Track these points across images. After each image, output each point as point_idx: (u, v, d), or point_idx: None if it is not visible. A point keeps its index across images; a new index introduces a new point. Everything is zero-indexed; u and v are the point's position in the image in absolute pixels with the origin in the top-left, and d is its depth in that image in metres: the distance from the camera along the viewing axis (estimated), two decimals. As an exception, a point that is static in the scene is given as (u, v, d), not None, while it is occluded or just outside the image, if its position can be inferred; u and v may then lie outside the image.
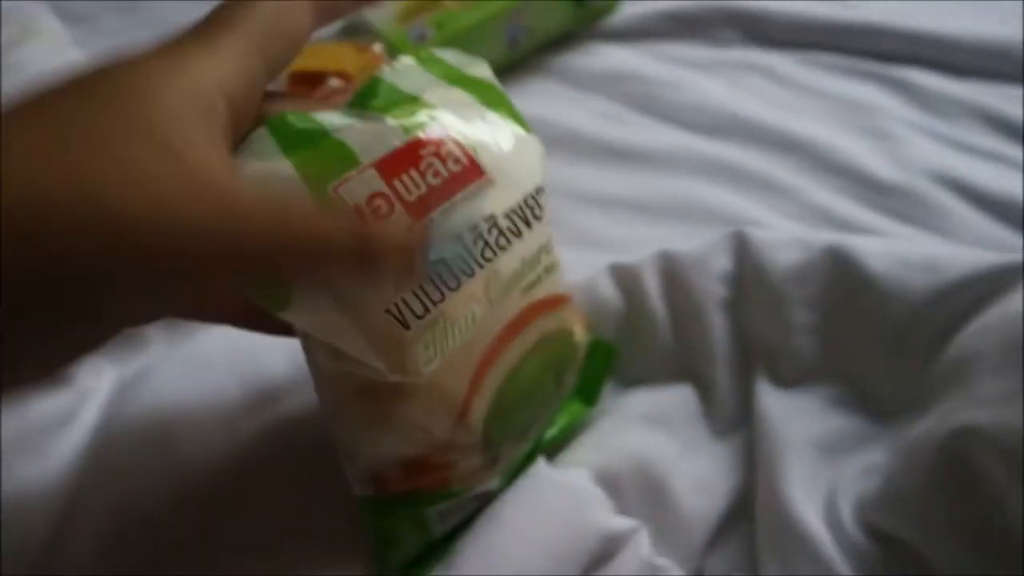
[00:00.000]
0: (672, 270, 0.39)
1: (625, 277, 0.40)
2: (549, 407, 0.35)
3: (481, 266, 0.28)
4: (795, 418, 0.35)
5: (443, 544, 0.33)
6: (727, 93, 0.58)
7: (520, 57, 0.61)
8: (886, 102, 0.56)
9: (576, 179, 0.54)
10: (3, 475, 0.34)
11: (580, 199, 0.52)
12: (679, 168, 0.54)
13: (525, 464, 0.35)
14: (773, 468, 0.34)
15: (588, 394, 0.38)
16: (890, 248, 0.36)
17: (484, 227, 0.28)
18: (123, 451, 0.36)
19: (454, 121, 0.29)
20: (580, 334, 0.35)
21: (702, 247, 0.39)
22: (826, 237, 0.37)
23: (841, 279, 0.36)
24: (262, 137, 0.26)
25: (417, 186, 0.27)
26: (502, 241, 0.29)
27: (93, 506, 0.34)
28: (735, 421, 0.38)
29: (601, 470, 0.35)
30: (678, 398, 0.38)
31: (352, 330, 0.26)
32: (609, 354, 0.39)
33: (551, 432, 0.37)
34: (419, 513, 0.31)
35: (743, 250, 0.39)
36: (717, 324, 0.38)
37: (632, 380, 0.40)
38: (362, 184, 0.27)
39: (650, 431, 0.37)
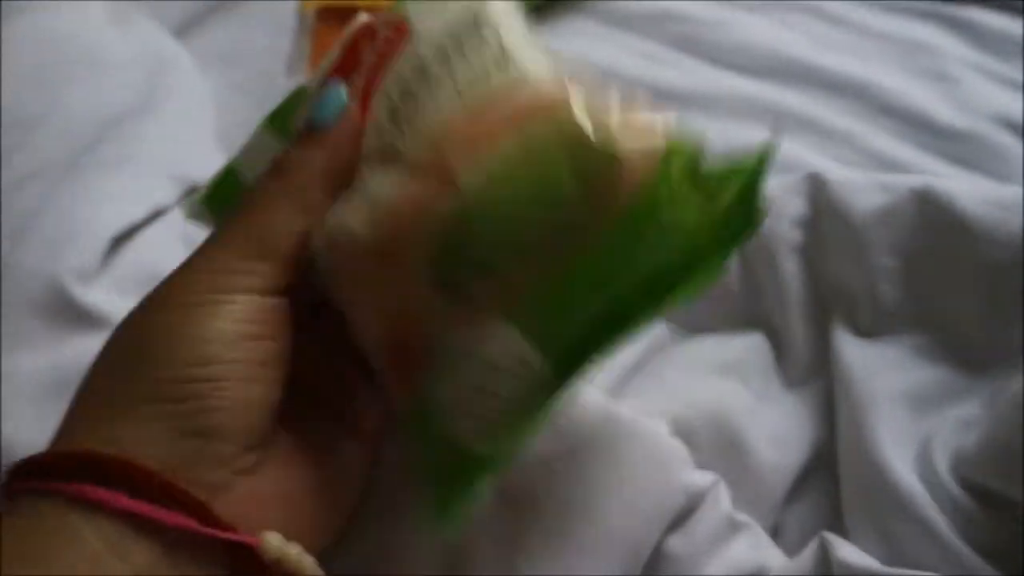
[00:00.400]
0: (742, 213, 0.37)
1: (691, 219, 0.38)
2: (577, 241, 0.25)
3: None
4: (880, 369, 0.34)
5: (482, 467, 0.27)
6: (775, 33, 0.55)
7: (559, -6, 0.58)
8: (946, 43, 0.53)
9: (620, 121, 0.51)
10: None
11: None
12: (726, 111, 0.52)
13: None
14: (860, 421, 0.32)
15: (746, 216, 0.27)
16: (984, 190, 0.34)
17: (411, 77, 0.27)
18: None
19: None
20: (616, 137, 0.25)
21: (774, 189, 0.37)
22: (911, 179, 0.35)
23: (931, 222, 0.34)
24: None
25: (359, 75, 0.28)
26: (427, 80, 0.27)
27: None
28: (809, 371, 0.36)
29: (676, 421, 0.34)
30: (749, 346, 0.37)
31: None
32: (756, 162, 0.26)
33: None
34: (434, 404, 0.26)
35: (819, 193, 0.37)
36: (790, 270, 0.36)
37: (698, 327, 0.38)
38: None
39: (723, 380, 0.36)
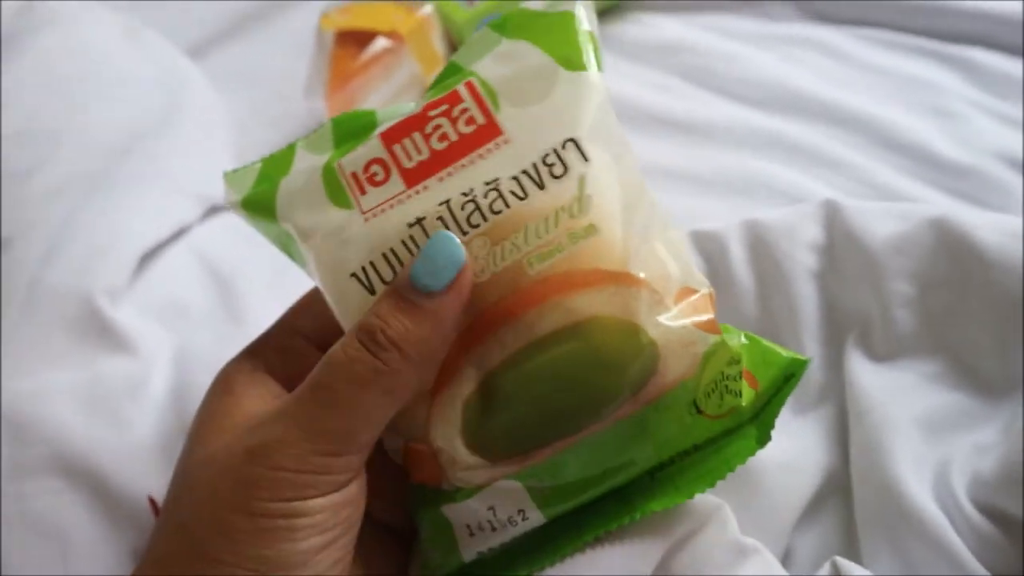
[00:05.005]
0: (759, 238, 0.38)
1: (708, 243, 0.39)
2: (604, 418, 0.26)
3: (465, 233, 0.25)
4: (895, 394, 0.34)
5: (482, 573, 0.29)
6: (783, 68, 0.56)
7: (569, 25, 0.59)
8: (948, 81, 0.54)
9: (631, 151, 0.52)
10: (80, 441, 0.34)
11: (636, 171, 0.50)
12: (737, 143, 0.53)
13: (604, 504, 0.28)
14: (876, 446, 0.32)
15: (760, 426, 0.28)
16: (999, 221, 0.35)
17: (480, 192, 0.25)
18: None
19: (490, 73, 0.27)
20: (667, 333, 0.26)
21: (790, 215, 0.38)
22: (927, 208, 0.36)
23: (947, 251, 0.35)
24: (324, 131, 0.28)
25: (419, 151, 0.26)
26: (498, 205, 0.25)
27: None
28: (821, 395, 0.37)
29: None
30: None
31: (326, 289, 0.26)
32: (789, 371, 0.28)
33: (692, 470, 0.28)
34: (439, 515, 0.28)
35: (835, 219, 0.37)
36: (806, 294, 0.37)
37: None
38: (365, 152, 0.26)
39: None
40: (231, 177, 0.29)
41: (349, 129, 0.28)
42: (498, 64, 0.27)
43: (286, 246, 0.28)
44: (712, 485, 0.27)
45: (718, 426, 0.27)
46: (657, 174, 0.51)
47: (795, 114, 0.53)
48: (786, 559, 0.34)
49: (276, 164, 0.28)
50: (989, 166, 0.49)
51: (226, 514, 0.23)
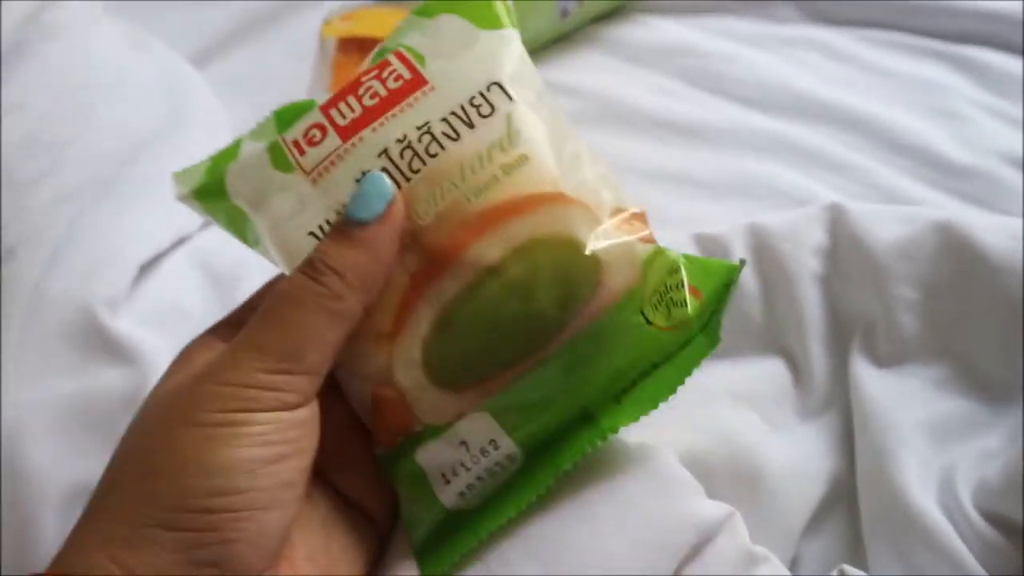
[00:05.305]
0: (762, 242, 0.38)
1: (711, 246, 0.39)
2: (559, 336, 0.27)
3: (408, 179, 0.27)
4: (900, 400, 0.34)
5: (468, 524, 0.28)
6: (786, 70, 0.56)
7: (571, 28, 0.59)
8: (953, 82, 0.54)
9: (633, 154, 0.52)
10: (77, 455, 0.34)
11: (637, 174, 0.50)
12: (739, 145, 0.52)
13: (585, 431, 0.28)
14: (881, 452, 0.32)
15: (709, 332, 0.28)
16: (1003, 224, 0.35)
17: (414, 137, 0.27)
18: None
19: (416, 42, 0.29)
20: (606, 245, 0.27)
21: (794, 218, 0.38)
22: (931, 211, 0.36)
23: (951, 254, 0.35)
24: (268, 123, 0.29)
25: (352, 109, 0.28)
26: (433, 148, 0.27)
27: None
28: (827, 400, 0.36)
29: (689, 450, 0.34)
30: (767, 373, 0.37)
31: (281, 253, 0.27)
32: (728, 279, 0.28)
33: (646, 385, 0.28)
34: (413, 467, 0.28)
35: (839, 223, 0.37)
36: (810, 298, 0.37)
37: (716, 353, 0.38)
38: (304, 122, 0.28)
39: (738, 408, 0.36)
40: (180, 176, 0.30)
41: (291, 118, 0.29)
42: (424, 36, 0.29)
43: (239, 227, 0.29)
44: (673, 392, 0.28)
45: (669, 338, 0.28)
46: (660, 177, 0.50)
47: (798, 116, 0.53)
48: (793, 566, 0.34)
49: (223, 156, 0.30)
50: (994, 167, 0.49)
51: (173, 427, 0.24)
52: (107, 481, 0.25)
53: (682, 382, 0.28)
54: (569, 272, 0.27)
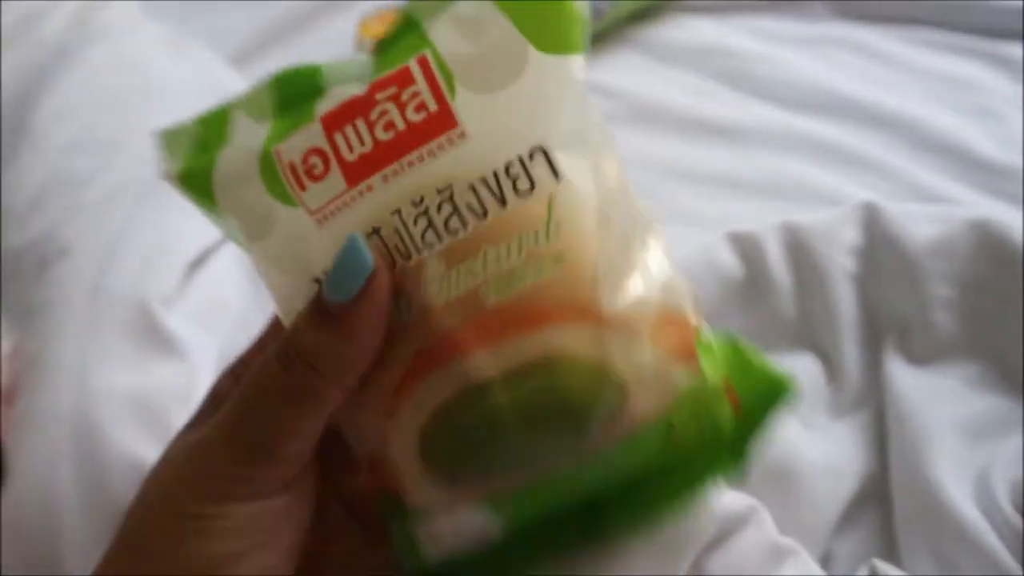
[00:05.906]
0: (797, 240, 0.38)
1: (745, 245, 0.39)
2: (566, 458, 0.24)
3: (419, 251, 0.22)
4: (935, 398, 0.34)
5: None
6: (819, 68, 0.56)
7: (604, 28, 0.59)
8: (989, 79, 0.54)
9: (666, 154, 0.52)
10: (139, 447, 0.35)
11: (670, 174, 0.51)
12: (772, 145, 0.52)
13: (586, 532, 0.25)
14: (916, 449, 0.32)
15: (736, 451, 0.24)
16: (1040, 222, 0.34)
17: (433, 204, 0.22)
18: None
19: (447, 45, 0.23)
20: (638, 369, 0.23)
21: (829, 218, 0.38)
22: (966, 210, 0.36)
23: (987, 253, 0.35)
24: (261, 91, 0.24)
25: (361, 141, 0.23)
26: (454, 223, 0.22)
27: None
28: (860, 398, 0.37)
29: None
30: (800, 371, 0.37)
31: (277, 296, 0.24)
32: (774, 391, 0.24)
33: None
34: (402, 519, 0.25)
35: (874, 222, 0.37)
36: (844, 296, 0.37)
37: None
38: (304, 139, 0.23)
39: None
40: (168, 137, 0.26)
41: (289, 93, 0.24)
42: (457, 33, 0.23)
43: (229, 235, 0.26)
44: (685, 507, 0.25)
45: (693, 455, 0.24)
46: (693, 177, 0.51)
47: (832, 115, 0.53)
48: (825, 563, 0.34)
49: (211, 128, 0.25)
50: (1032, 166, 0.48)
51: (162, 512, 0.24)
52: (110, 554, 0.26)
53: (696, 497, 0.24)
54: (587, 397, 0.22)
